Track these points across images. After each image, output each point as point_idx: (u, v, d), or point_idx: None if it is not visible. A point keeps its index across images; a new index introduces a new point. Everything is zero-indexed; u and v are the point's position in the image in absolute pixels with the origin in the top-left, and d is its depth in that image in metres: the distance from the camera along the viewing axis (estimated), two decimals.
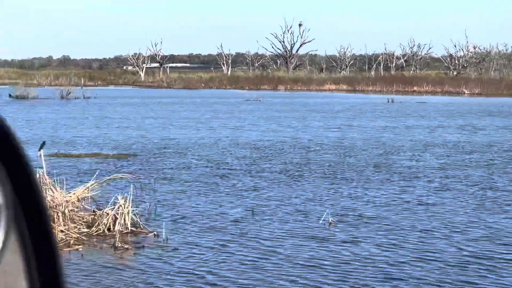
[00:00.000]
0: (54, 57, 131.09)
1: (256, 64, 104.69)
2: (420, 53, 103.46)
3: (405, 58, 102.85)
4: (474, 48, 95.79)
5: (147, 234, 10.72)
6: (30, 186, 0.95)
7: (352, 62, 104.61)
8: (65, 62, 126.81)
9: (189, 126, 30.93)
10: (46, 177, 10.81)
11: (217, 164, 18.74)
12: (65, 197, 10.54)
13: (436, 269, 9.29)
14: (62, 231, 9.95)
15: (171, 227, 11.14)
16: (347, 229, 11.34)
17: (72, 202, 10.53)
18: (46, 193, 10.42)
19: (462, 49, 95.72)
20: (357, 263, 9.53)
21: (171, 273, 9.11)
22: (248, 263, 9.57)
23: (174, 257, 9.75)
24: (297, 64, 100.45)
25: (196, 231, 11.14)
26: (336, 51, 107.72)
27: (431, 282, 8.76)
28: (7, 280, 0.97)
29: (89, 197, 11.09)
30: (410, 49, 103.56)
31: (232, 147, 22.73)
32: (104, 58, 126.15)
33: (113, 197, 11.32)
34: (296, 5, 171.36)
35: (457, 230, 11.40)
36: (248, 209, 12.83)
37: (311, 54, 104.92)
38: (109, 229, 10.52)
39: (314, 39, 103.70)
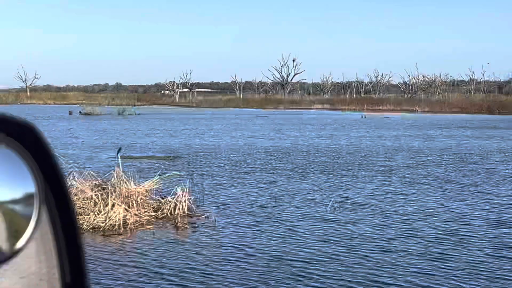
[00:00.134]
0: (110, 84, 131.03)
1: (261, 89, 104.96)
2: (382, 81, 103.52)
3: (372, 84, 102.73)
4: (423, 77, 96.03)
5: (199, 216, 10.68)
6: (57, 178, 0.92)
7: (332, 87, 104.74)
8: (117, 87, 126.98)
9: (215, 135, 30.91)
10: (122, 173, 10.74)
11: (241, 163, 18.68)
12: (136, 189, 10.50)
13: (416, 243, 9.22)
14: (136, 214, 9.91)
15: (216, 211, 11.08)
16: (346, 213, 11.28)
17: (142, 193, 10.46)
18: (122, 186, 10.42)
19: (414, 78, 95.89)
20: (356, 238, 9.48)
21: (218, 246, 9.07)
22: (275, 238, 9.53)
23: (220, 234, 9.71)
24: (291, 89, 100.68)
25: (235, 214, 11.08)
26: (319, 79, 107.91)
27: (413, 253, 8.69)
28: (39, 254, 0.94)
29: (154, 189, 10.94)
30: (375, 77, 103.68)
31: (250, 151, 22.63)
32: (147, 84, 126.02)
33: (172, 189, 11.31)
34: (291, 45, 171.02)
35: (429, 213, 11.33)
36: (270, 197, 12.79)
37: (302, 81, 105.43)
38: (171, 213, 10.48)
39: (304, 70, 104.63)
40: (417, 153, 22.01)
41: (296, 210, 11.53)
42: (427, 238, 9.54)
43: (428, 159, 20.06)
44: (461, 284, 7.37)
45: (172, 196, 10.70)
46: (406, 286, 7.32)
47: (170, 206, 10.49)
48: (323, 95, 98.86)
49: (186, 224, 10.25)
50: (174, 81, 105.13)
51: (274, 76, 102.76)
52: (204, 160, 19.54)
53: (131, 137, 28.97)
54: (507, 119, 48.30)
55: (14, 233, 0.85)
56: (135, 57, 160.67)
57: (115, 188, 10.16)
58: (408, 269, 7.96)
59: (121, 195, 10.05)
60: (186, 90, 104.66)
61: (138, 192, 10.40)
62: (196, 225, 10.22)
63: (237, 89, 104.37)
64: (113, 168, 13.46)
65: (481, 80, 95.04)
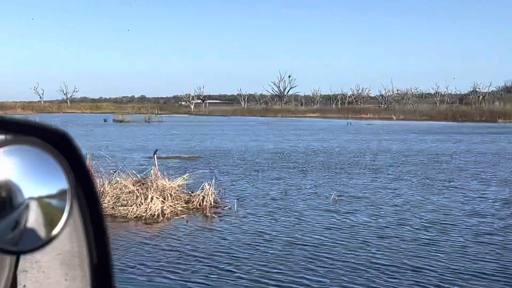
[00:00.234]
0: (135, 96, 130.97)
1: (261, 101, 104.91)
2: (363, 93, 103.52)
3: (354, 96, 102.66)
4: (397, 90, 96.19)
5: (223, 207, 10.56)
6: (85, 176, 0.92)
7: (320, 99, 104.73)
8: (142, 99, 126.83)
9: (227, 139, 30.81)
10: (158, 171, 10.66)
11: (251, 162, 18.58)
12: (170, 184, 10.42)
13: (406, 230, 9.10)
14: (171, 206, 9.80)
15: (236, 203, 10.91)
16: (344, 205, 11.16)
17: (174, 187, 10.39)
18: (158, 182, 10.34)
19: (389, 91, 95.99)
20: (355, 226, 9.36)
21: (241, 232, 8.95)
22: (287, 225, 9.40)
23: (241, 222, 9.58)
24: (287, 100, 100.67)
25: (252, 206, 10.95)
26: (310, 92, 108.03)
27: (405, 238, 8.58)
28: (71, 238, 0.97)
29: (184, 184, 10.85)
30: (357, 91, 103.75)
31: (258, 152, 22.52)
32: (167, 96, 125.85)
33: (199, 184, 11.22)
34: (287, 64, 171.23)
35: (414, 205, 11.22)
36: (279, 191, 12.67)
37: (296, 94, 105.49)
38: (199, 205, 10.37)
39: (297, 85, 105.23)
40: (397, 154, 21.91)
41: (302, 202, 11.42)
42: (415, 226, 9.44)
43: (407, 159, 19.97)
44: (448, 264, 7.28)
45: (200, 190, 10.60)
46: (401, 266, 7.21)
47: (199, 199, 10.38)
48: (313, 105, 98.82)
49: (213, 213, 10.14)
50: (189, 94, 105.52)
51: (273, 89, 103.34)
52: (221, 159, 19.45)
53: (157, 141, 28.90)
54: (468, 126, 48.26)
55: (51, 222, 0.86)
56: (156, 73, 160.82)
57: (152, 183, 10.08)
58: (402, 252, 7.86)
59: (158, 189, 9.96)
60: (199, 101, 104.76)
61: (171, 187, 10.32)
62: (221, 215, 10.11)
63: (242, 100, 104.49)
64: (146, 166, 13.40)
65: (445, 93, 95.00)
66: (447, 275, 6.89)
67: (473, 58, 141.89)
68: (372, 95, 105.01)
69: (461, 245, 8.18)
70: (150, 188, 9.84)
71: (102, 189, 9.76)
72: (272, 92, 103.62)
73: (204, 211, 10.10)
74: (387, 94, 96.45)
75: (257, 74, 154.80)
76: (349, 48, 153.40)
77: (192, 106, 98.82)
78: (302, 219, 9.87)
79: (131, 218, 9.48)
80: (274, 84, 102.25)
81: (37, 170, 0.86)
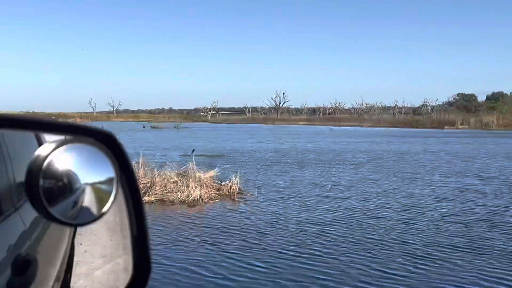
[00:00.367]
0: (165, 108, 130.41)
1: (262, 112, 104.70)
2: (339, 106, 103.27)
3: (332, 109, 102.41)
4: (366, 104, 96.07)
5: (246, 194, 10.37)
6: (127, 167, 0.94)
7: (306, 111, 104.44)
8: (170, 110, 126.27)
9: (239, 141, 30.63)
10: (194, 166, 10.49)
11: (261, 159, 18.41)
12: (204, 175, 10.28)
13: (389, 212, 8.93)
14: (206, 193, 9.63)
15: (256, 191, 10.76)
16: (337, 192, 11.02)
17: (208, 178, 10.22)
18: (195, 174, 10.16)
19: (360, 104, 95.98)
20: (349, 209, 9.19)
21: (262, 213, 8.77)
22: (296, 208, 9.23)
23: (261, 205, 9.39)
24: (281, 111, 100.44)
25: (267, 192, 10.76)
26: (299, 105, 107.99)
27: (390, 218, 8.42)
28: (116, 213, 0.97)
29: (216, 175, 10.68)
30: (334, 104, 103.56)
31: (264, 151, 22.32)
32: (189, 108, 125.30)
33: (225, 176, 11.07)
34: (282, 84, 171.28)
35: (392, 192, 11.06)
36: (286, 182, 12.49)
37: (288, 107, 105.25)
38: (228, 191, 10.20)
39: (290, 100, 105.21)
40: (371, 153, 21.73)
41: (305, 190, 11.24)
42: (395, 208, 9.28)
43: (379, 157, 19.79)
44: (425, 238, 7.14)
45: (229, 180, 10.45)
46: (390, 240, 7.07)
47: (227, 187, 10.22)
48: (302, 115, 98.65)
49: (239, 198, 9.97)
50: (206, 106, 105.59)
51: (271, 103, 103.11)
52: (237, 157, 19.28)
53: (186, 142, 28.72)
54: (422, 131, 47.97)
55: (101, 202, 0.87)
56: (181, 90, 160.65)
57: (191, 175, 9.93)
58: (389, 229, 7.72)
59: (195, 180, 9.82)
60: (214, 112, 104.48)
61: (205, 177, 10.16)
62: (245, 199, 9.93)
63: (247, 112, 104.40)
64: (181, 161, 13.21)
65: (402, 106, 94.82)
66: (427, 246, 6.76)
67: (424, 79, 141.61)
68: (346, 108, 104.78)
69: (434, 224, 8.04)
70: (190, 179, 9.69)
71: (152, 179, 9.62)
72: (270, 105, 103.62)
73: (232, 197, 9.93)
74: (358, 107, 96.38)
75: (258, 92, 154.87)
76: (328, 71, 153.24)
77: (209, 116, 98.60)
78: (307, 203, 9.72)
79: (176, 202, 9.31)
80: (272, 99, 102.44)
81: (91, 162, 0.87)
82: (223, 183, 10.32)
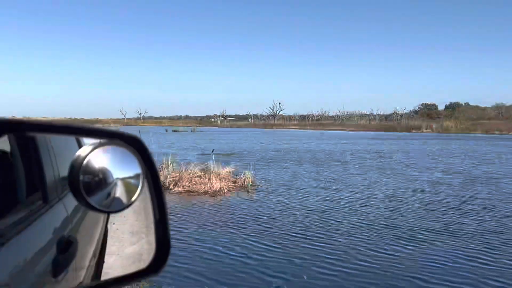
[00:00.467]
0: (182, 115, 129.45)
1: (261, 118, 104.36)
2: (324, 114, 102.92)
3: (319, 116, 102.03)
4: (347, 112, 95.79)
5: (258, 186, 10.22)
6: (151, 164, 0.93)
7: (298, 117, 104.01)
8: (186, 117, 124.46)
9: (245, 142, 30.43)
10: (214, 163, 10.37)
11: (266, 157, 18.25)
12: (222, 170, 10.15)
13: (377, 201, 8.82)
14: (225, 186, 9.49)
15: (265, 183, 10.65)
16: (332, 185, 10.88)
17: (225, 172, 10.09)
18: (215, 169, 10.05)
19: (342, 112, 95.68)
20: (343, 199, 9.08)
21: (271, 202, 8.64)
22: (300, 198, 9.10)
23: (271, 196, 9.25)
24: (277, 118, 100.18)
25: (275, 185, 10.60)
26: (292, 113, 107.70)
27: (377, 206, 8.31)
28: (142, 202, 0.96)
29: (232, 171, 10.54)
30: (321, 112, 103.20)
31: (267, 150, 22.08)
32: (202, 115, 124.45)
33: (240, 171, 10.97)
34: (279, 95, 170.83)
35: (375, 185, 10.90)
36: (289, 176, 12.34)
37: (283, 114, 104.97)
38: (242, 184, 10.06)
39: (285, 108, 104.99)
40: (360, 153, 21.58)
41: (305, 183, 11.09)
42: (381, 198, 9.16)
43: (362, 155, 19.62)
44: (409, 223, 7.04)
45: (243, 175, 10.31)
46: (380, 224, 6.96)
47: (242, 180, 10.09)
48: (294, 121, 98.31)
49: (251, 190, 9.81)
50: (216, 114, 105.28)
51: (269, 111, 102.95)
52: (246, 155, 19.12)
53: (203, 143, 28.57)
54: (393, 134, 47.76)
55: (129, 193, 0.88)
56: (196, 100, 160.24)
57: (212, 170, 9.80)
58: (378, 215, 7.61)
59: (216, 174, 9.69)
60: (222, 118, 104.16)
61: (223, 172, 10.04)
62: (257, 191, 9.78)
63: (249, 118, 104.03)
64: (202, 159, 13.10)
65: (376, 113, 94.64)
66: (411, 230, 6.66)
67: (394, 91, 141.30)
68: (330, 115, 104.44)
69: (415, 211, 7.92)
70: (211, 173, 9.57)
71: (180, 174, 9.50)
72: (268, 113, 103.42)
73: (246, 188, 9.79)
74: (340, 114, 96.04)
75: (259, 101, 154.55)
76: (316, 85, 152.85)
77: (218, 122, 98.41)
78: (308, 193, 9.59)
79: (201, 193, 9.20)
80: (270, 108, 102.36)
81: (121, 161, 0.88)
82: (238, 177, 10.18)
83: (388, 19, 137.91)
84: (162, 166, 10.12)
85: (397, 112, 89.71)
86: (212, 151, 11.92)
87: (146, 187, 0.94)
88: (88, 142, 0.92)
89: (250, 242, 6.01)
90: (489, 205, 8.43)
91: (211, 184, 9.21)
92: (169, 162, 10.04)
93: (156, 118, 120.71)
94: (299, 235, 6.36)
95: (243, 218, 7.31)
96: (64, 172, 0.90)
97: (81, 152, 0.86)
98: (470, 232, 6.56)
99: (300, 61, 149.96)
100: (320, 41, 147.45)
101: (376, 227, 6.80)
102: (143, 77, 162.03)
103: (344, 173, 13.08)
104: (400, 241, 6.16)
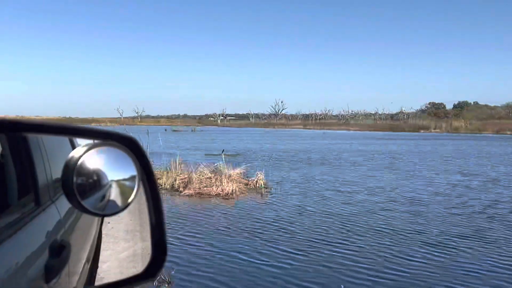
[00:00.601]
0: (181, 114, 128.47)
1: (263, 118, 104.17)
2: (328, 113, 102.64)
3: (322, 115, 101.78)
4: (352, 111, 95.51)
5: (271, 188, 10.08)
6: (147, 166, 0.93)
7: (301, 117, 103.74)
8: (185, 116, 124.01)
9: (249, 142, 30.27)
10: (224, 164, 10.22)
11: (273, 158, 18.09)
12: (233, 172, 10.00)
13: (396, 205, 8.67)
14: (237, 188, 9.32)
15: (278, 186, 10.47)
16: (347, 188, 10.75)
17: (236, 174, 9.94)
18: (226, 170, 9.89)
19: (347, 112, 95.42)
20: (361, 202, 8.94)
21: (287, 205, 8.49)
22: (316, 200, 8.96)
23: (285, 198, 9.11)
24: (280, 117, 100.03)
25: (288, 187, 10.44)
26: (294, 112, 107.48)
27: (397, 210, 8.17)
28: (139, 210, 0.97)
29: (242, 172, 10.39)
30: (324, 111, 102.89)
31: (273, 151, 21.89)
32: (201, 114, 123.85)
33: (249, 172, 10.81)
34: (281, 94, 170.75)
35: (393, 187, 10.72)
36: (301, 178, 12.16)
37: (285, 113, 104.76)
38: (254, 186, 9.92)
39: (287, 107, 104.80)
40: (364, 153, 21.45)
41: (320, 185, 10.91)
42: (401, 201, 9.00)
43: (373, 156, 19.49)
44: (436, 228, 6.90)
45: (255, 176, 10.14)
46: (404, 229, 6.83)
47: (254, 182, 9.93)
48: (297, 120, 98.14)
49: (263, 192, 9.68)
50: (216, 113, 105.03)
51: (271, 110, 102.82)
52: (252, 156, 18.95)
53: (204, 143, 28.45)
54: (401, 134, 47.69)
55: (125, 196, 0.87)
56: (195, 98, 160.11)
57: (223, 171, 9.66)
58: (400, 220, 7.48)
59: (226, 176, 9.55)
60: (222, 117, 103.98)
61: (234, 174, 9.89)
62: (271, 193, 9.63)
63: (250, 117, 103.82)
64: (205, 160, 12.94)
65: (382, 113, 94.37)
66: (438, 235, 6.52)
67: (400, 89, 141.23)
68: (334, 114, 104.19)
69: (439, 215, 7.78)
70: (222, 175, 9.42)
71: (189, 176, 9.36)
72: (270, 112, 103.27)
73: (259, 191, 9.62)
74: (344, 113, 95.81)
75: (260, 100, 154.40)
76: (318, 83, 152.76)
77: (218, 121, 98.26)
78: (324, 196, 9.44)
79: (213, 195, 9.04)
80: (272, 107, 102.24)
81: (116, 162, 0.87)
82: (250, 178, 10.02)
83: (393, 17, 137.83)
84: (169, 168, 9.97)
85: (403, 111, 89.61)
86: (222, 151, 11.75)
87: (142, 189, 0.94)
88: (82, 142, 0.91)
89: (271, 249, 5.87)
90: None
91: (223, 186, 9.05)
92: (177, 163, 9.89)
93: (153, 117, 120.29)
94: (321, 241, 6.21)
95: (260, 222, 7.17)
96: (57, 173, 0.89)
97: (75, 153, 0.85)
98: (501, 237, 6.42)
99: (302, 59, 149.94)
100: (323, 39, 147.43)
101: (401, 233, 6.66)
102: (140, 75, 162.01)
103: (358, 175, 12.94)
104: (428, 247, 6.02)
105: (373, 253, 5.79)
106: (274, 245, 6.00)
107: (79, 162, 0.83)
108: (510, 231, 6.75)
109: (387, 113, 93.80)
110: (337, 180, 11.70)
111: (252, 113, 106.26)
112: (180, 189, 9.13)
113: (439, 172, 13.76)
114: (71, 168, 0.83)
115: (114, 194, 0.86)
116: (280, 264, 5.26)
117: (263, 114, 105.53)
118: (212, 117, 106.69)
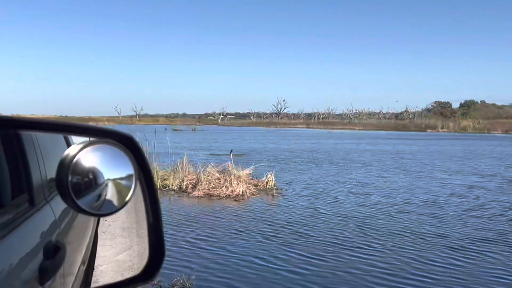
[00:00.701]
0: (179, 112, 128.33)
1: (264, 117, 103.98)
2: (331, 112, 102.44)
3: (325, 114, 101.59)
4: (356, 110, 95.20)
5: (281, 189, 9.96)
6: (145, 165, 0.91)
7: (303, 116, 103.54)
8: (184, 115, 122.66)
9: (253, 142, 30.14)
10: (232, 164, 10.12)
11: (278, 158, 17.96)
12: (242, 173, 9.89)
13: (413, 207, 8.52)
14: (248, 188, 9.23)
15: (288, 187, 10.33)
16: (360, 189, 10.63)
17: (245, 175, 9.83)
18: (234, 171, 9.77)
19: (351, 111, 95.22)
20: (376, 204, 8.82)
21: (300, 207, 8.36)
22: (329, 203, 8.80)
23: (297, 200, 8.97)
24: (282, 116, 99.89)
25: (299, 188, 10.30)
26: (297, 111, 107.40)
27: (415, 212, 8.06)
28: (137, 210, 0.97)
29: (251, 173, 10.27)
30: (328, 110, 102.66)
31: (278, 151, 21.73)
32: (200, 113, 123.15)
33: (258, 173, 10.69)
34: (282, 92, 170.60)
35: (407, 188, 10.58)
36: (311, 179, 12.05)
37: (287, 112, 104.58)
38: (264, 187, 9.81)
39: (289, 106, 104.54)
40: (373, 153, 21.30)
41: (332, 186, 10.79)
42: (417, 203, 8.88)
43: (382, 156, 19.33)
44: (457, 231, 6.78)
45: (264, 177, 10.03)
46: (424, 233, 6.72)
47: (264, 183, 9.82)
48: (299, 119, 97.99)
49: (274, 193, 9.55)
50: (216, 112, 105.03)
51: (273, 109, 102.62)
52: (256, 156, 18.79)
53: (207, 143, 28.33)
54: (408, 134, 47.54)
55: (121, 195, 0.86)
56: (194, 97, 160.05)
57: (232, 172, 9.54)
58: (419, 223, 7.36)
59: (235, 176, 9.44)
60: (222, 116, 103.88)
61: (243, 174, 9.78)
62: (282, 194, 9.50)
63: (252, 116, 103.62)
64: (210, 160, 12.82)
65: (386, 112, 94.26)
66: (460, 239, 6.40)
67: (405, 88, 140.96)
68: (337, 113, 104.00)
69: (458, 218, 7.66)
70: (231, 176, 9.31)
71: (197, 177, 9.25)
72: (272, 111, 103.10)
73: (270, 192, 9.51)
74: (348, 112, 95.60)
75: (262, 98, 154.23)
76: (322, 81, 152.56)
77: (219, 120, 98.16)
78: (337, 198, 9.31)
79: (223, 196, 8.93)
80: (274, 105, 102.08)
81: (113, 160, 0.86)
82: (258, 179, 9.90)
83: (396, 14, 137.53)
84: (176, 168, 9.86)
85: (408, 110, 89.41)
86: (231, 151, 11.64)
87: (139, 188, 0.93)
88: (78, 140, 0.89)
89: (287, 253, 5.76)
90: None
91: (233, 187, 8.93)
92: (184, 163, 9.79)
93: (151, 116, 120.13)
94: (338, 245, 6.11)
95: (273, 225, 7.06)
96: (52, 172, 0.87)
97: (70, 151, 0.83)
98: None
99: (304, 56, 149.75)
100: (326, 36, 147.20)
101: (421, 236, 6.55)
102: (139, 73, 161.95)
103: (369, 175, 12.82)
104: (451, 251, 5.91)
105: (394, 257, 5.68)
106: (289, 249, 5.90)
107: (74, 160, 0.82)
108: None
109: (391, 112, 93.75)
110: (348, 181, 11.58)
111: (252, 112, 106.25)
112: (188, 190, 9.03)
113: (452, 173, 13.64)
114: (66, 167, 0.81)
115: (110, 194, 0.85)
116: (297, 270, 5.15)
117: (264, 113, 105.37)
118: (212, 116, 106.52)
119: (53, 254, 0.95)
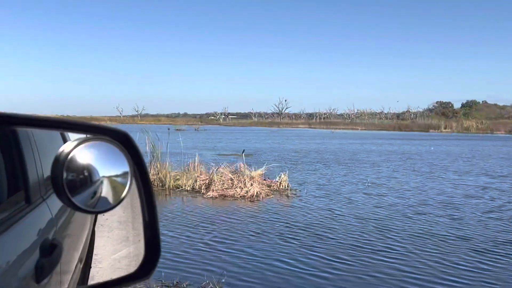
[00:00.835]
0: (181, 112, 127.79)
1: (266, 117, 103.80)
2: (333, 112, 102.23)
3: (327, 114, 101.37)
4: (357, 110, 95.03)
5: (295, 190, 9.79)
6: (140, 162, 0.90)
7: (305, 116, 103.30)
8: (185, 115, 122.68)
9: (257, 142, 29.99)
10: (243, 165, 9.95)
11: (285, 158, 17.83)
12: (255, 173, 9.73)
13: (430, 209, 8.36)
14: (262, 189, 9.04)
15: (302, 188, 10.15)
16: (373, 190, 10.46)
17: (258, 175, 9.67)
18: (247, 171, 9.59)
19: (352, 111, 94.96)
20: (392, 205, 8.66)
21: (316, 208, 8.20)
22: (345, 204, 8.63)
23: (312, 201, 8.80)
24: (283, 116, 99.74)
25: (313, 189, 10.12)
26: (298, 110, 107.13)
27: (432, 213, 7.92)
28: (133, 205, 0.96)
29: (263, 173, 10.11)
30: (329, 110, 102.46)
31: (284, 151, 21.51)
32: (201, 113, 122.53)
33: (271, 173, 10.53)
34: (284, 92, 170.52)
35: (421, 189, 10.43)
36: (322, 179, 11.87)
37: (289, 112, 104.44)
38: (278, 188, 9.64)
39: (291, 106, 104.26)
40: (379, 153, 21.13)
41: (344, 187, 10.61)
42: (434, 205, 8.71)
43: (390, 157, 19.17)
44: (479, 233, 6.63)
45: (278, 178, 9.86)
46: (444, 234, 6.57)
47: (278, 183, 9.67)
48: (301, 119, 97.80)
49: (288, 194, 9.39)
50: (217, 111, 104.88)
51: (274, 109, 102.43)
52: (262, 156, 18.62)
53: (211, 143, 28.19)
54: (410, 134, 47.35)
55: (117, 193, 0.85)
56: (195, 97, 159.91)
57: (245, 173, 9.38)
58: (439, 225, 7.19)
59: (248, 177, 9.28)
60: (224, 116, 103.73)
61: (256, 175, 9.63)
62: (297, 195, 9.33)
63: (253, 116, 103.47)
64: (221, 160, 12.66)
65: (388, 112, 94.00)
66: (484, 242, 6.24)
67: (407, 88, 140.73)
68: (339, 113, 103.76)
69: (478, 220, 7.50)
70: (244, 176, 9.15)
71: (210, 177, 9.10)
72: (274, 111, 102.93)
73: (284, 193, 9.34)
74: (350, 112, 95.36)
75: (263, 98, 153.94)
76: (324, 81, 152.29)
77: (221, 120, 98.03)
78: (352, 199, 9.14)
79: (237, 197, 8.78)
80: (275, 105, 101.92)
81: (108, 158, 0.85)
82: (271, 179, 9.75)
83: (398, 14, 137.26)
84: (188, 168, 9.71)
85: (410, 110, 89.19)
86: (243, 151, 11.49)
87: (135, 185, 0.91)
88: (73, 137, 0.88)
89: (308, 256, 5.61)
90: None
91: (247, 188, 8.77)
92: (196, 164, 9.63)
93: (153, 115, 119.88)
94: (359, 248, 5.95)
95: (291, 227, 6.91)
96: (49, 170, 0.86)
97: (65, 148, 0.82)
98: None
99: (305, 57, 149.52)
100: (327, 36, 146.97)
101: (442, 239, 6.39)
102: (140, 73, 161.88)
103: (380, 176, 12.66)
104: (476, 255, 5.76)
105: (418, 261, 5.52)
106: (310, 252, 5.75)
107: (69, 157, 0.81)
108: None
109: (393, 112, 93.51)
110: (360, 182, 11.42)
111: (254, 111, 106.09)
112: (202, 190, 8.88)
113: (463, 174, 13.47)
114: (61, 164, 0.80)
115: (105, 191, 0.85)
116: (321, 273, 5.00)
117: (266, 113, 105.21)
118: (213, 116, 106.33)
119: (49, 252, 0.94)
